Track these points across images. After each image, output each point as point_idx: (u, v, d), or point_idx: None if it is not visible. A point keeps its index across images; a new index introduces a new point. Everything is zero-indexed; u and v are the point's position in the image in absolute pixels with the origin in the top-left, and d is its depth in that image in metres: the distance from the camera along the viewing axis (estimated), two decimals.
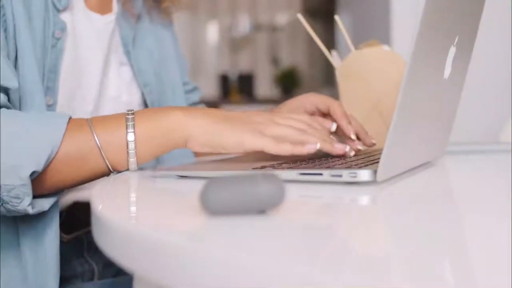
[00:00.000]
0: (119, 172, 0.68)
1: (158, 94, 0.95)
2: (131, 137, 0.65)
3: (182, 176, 0.65)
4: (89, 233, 0.87)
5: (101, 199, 0.54)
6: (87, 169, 0.66)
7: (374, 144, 0.79)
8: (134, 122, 0.66)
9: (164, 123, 0.66)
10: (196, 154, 1.02)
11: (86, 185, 0.88)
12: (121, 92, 0.90)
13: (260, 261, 0.31)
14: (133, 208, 0.53)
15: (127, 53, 0.92)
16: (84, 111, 0.84)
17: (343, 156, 0.69)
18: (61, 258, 0.75)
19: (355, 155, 0.71)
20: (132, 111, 0.67)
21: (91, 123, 0.66)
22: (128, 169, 0.67)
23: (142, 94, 0.93)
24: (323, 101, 0.82)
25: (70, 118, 0.66)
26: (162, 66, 0.98)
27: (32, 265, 0.71)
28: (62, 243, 0.86)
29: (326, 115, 0.83)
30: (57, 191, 0.69)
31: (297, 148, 0.65)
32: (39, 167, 0.61)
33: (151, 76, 0.94)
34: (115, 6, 0.91)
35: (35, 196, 0.64)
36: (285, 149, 0.65)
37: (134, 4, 0.95)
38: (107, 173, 0.68)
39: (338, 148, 0.67)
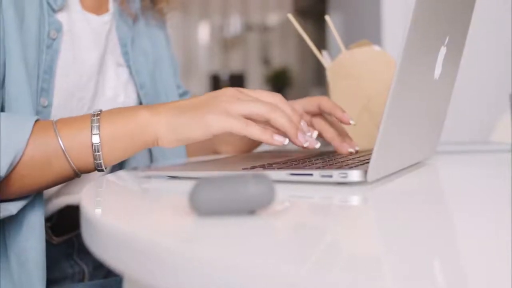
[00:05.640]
0: (87, 173, 0.67)
1: (153, 96, 0.95)
2: (96, 139, 0.64)
3: (172, 177, 0.65)
4: (79, 235, 0.86)
5: (91, 200, 0.54)
6: (53, 172, 0.65)
7: (356, 151, 0.78)
8: (100, 124, 0.64)
9: (130, 125, 0.65)
10: (188, 153, 1.02)
11: (79, 189, 0.87)
12: (118, 93, 0.90)
13: (250, 262, 0.31)
14: (122, 210, 0.52)
15: (125, 54, 0.91)
16: (80, 112, 0.82)
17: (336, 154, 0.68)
18: (51, 260, 0.75)
19: (346, 155, 0.71)
20: (99, 112, 0.65)
21: (56, 125, 0.65)
22: (95, 170, 0.66)
23: (138, 96, 0.93)
24: (310, 101, 0.81)
25: (37, 120, 0.65)
26: (156, 68, 0.98)
27: (17, 268, 0.70)
28: (52, 245, 0.86)
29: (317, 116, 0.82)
30: (25, 195, 0.67)
31: (265, 136, 0.64)
32: (2, 172, 0.60)
33: (147, 78, 0.94)
34: (112, 6, 0.91)
35: (1, 201, 0.63)
36: (253, 133, 0.63)
37: (131, 4, 0.94)
38: (73, 176, 0.66)
39: (299, 139, 0.66)
